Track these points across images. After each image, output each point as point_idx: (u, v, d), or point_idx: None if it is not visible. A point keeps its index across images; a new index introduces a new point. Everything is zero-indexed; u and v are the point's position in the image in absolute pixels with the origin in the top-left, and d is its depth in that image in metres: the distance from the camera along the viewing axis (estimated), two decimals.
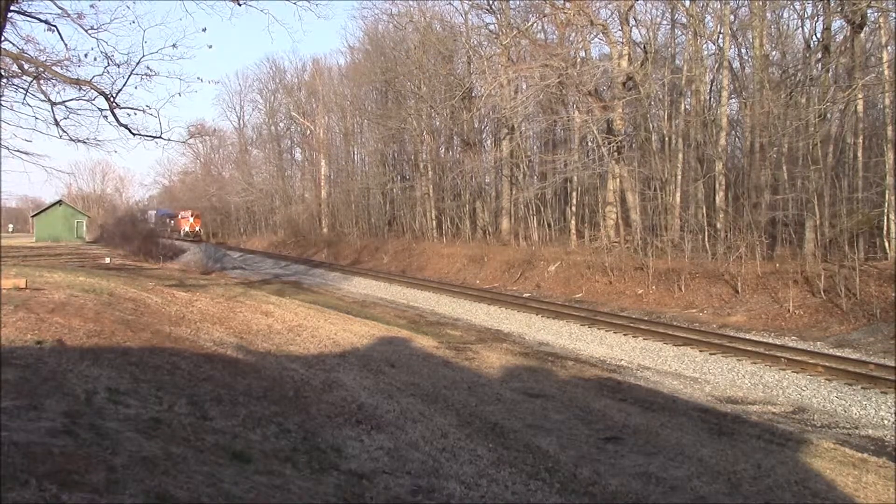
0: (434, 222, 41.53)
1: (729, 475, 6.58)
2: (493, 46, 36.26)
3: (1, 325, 8.23)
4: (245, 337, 11.65)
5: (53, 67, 12.93)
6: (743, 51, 29.57)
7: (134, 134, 13.74)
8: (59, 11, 12.88)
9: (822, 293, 18.04)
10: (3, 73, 13.20)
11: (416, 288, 24.93)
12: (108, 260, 29.50)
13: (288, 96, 66.63)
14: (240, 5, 12.56)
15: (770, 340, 15.69)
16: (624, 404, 9.40)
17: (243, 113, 77.25)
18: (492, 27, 36.96)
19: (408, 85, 43.32)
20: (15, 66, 13.05)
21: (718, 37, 27.41)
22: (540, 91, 30.30)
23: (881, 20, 21.82)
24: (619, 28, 28.54)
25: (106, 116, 13.24)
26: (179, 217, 70.05)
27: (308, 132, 61.22)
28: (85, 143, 14.57)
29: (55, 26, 12.84)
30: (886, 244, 19.49)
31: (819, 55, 23.56)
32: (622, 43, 28.03)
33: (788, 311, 18.10)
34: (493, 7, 35.73)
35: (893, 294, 16.55)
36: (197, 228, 67.78)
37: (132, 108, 13.42)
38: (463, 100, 37.35)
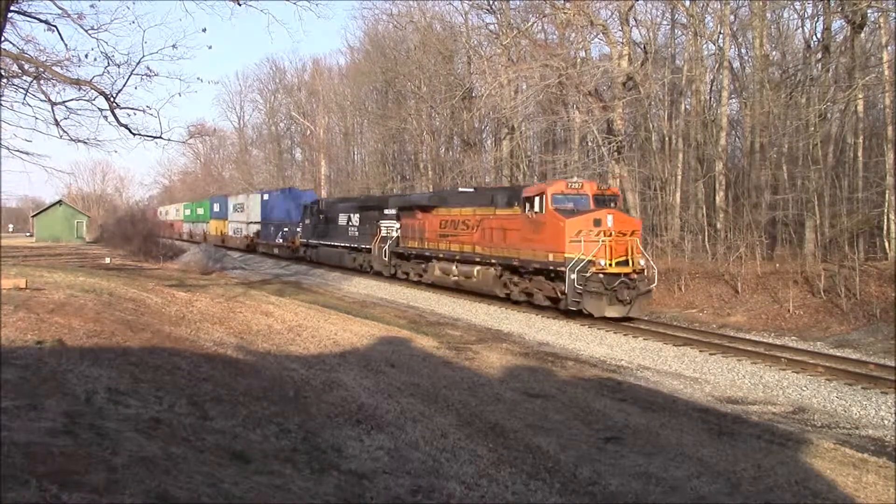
0: None
1: (729, 475, 6.57)
2: (493, 46, 36.27)
3: (1, 325, 8.23)
4: (245, 337, 11.64)
5: (53, 67, 12.93)
6: (743, 51, 29.62)
7: (134, 134, 13.74)
8: (59, 11, 12.90)
9: (822, 293, 18.04)
10: (3, 73, 13.21)
11: (416, 288, 24.92)
12: (108, 260, 29.50)
13: (288, 96, 66.72)
14: (240, 5, 12.55)
15: (770, 340, 15.68)
16: (624, 404, 9.39)
17: (243, 113, 77.41)
18: (492, 27, 37.00)
19: (408, 85, 43.33)
20: (15, 66, 13.06)
21: (718, 37, 27.44)
22: (540, 91, 30.29)
23: (881, 20, 21.85)
24: (619, 28, 28.54)
25: (106, 116, 13.25)
26: (579, 205, 17.39)
27: (308, 132, 61.22)
28: (85, 143, 14.58)
29: (55, 26, 12.85)
30: (886, 244, 19.50)
31: (819, 55, 23.57)
32: (622, 43, 28.02)
33: (788, 311, 18.10)
34: (493, 7, 35.76)
35: (893, 294, 16.56)
36: (642, 263, 17.03)
37: (132, 109, 13.43)
38: (463, 100, 37.35)
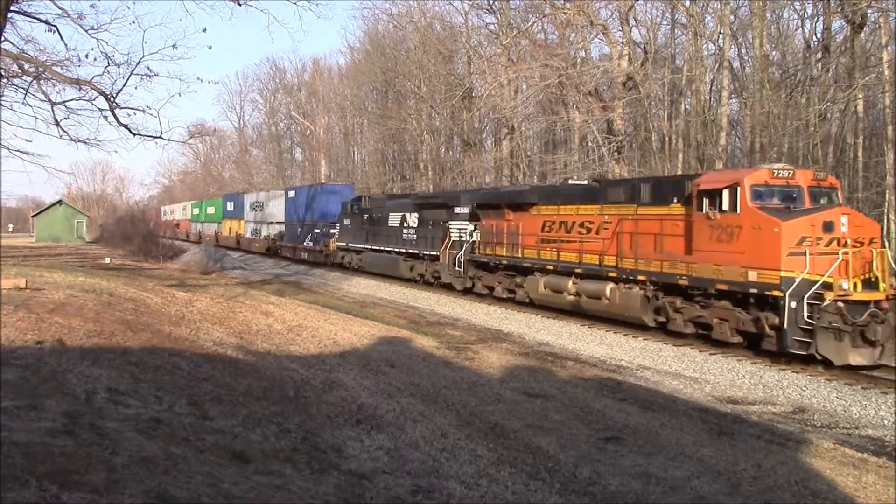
0: None
1: (729, 475, 6.58)
2: (493, 46, 36.30)
3: (1, 325, 8.23)
4: (245, 337, 11.65)
5: (53, 67, 12.97)
6: (743, 51, 29.64)
7: (134, 134, 13.78)
8: (60, 11, 12.95)
9: None
10: (3, 73, 13.24)
11: (415, 288, 24.92)
12: (108, 260, 29.53)
13: (288, 96, 66.80)
14: (240, 5, 12.57)
15: None
16: (624, 404, 9.39)
17: (243, 113, 77.48)
18: (492, 27, 37.06)
19: (408, 85, 43.37)
20: (15, 66, 13.10)
21: (718, 37, 27.46)
22: (540, 91, 30.33)
23: (881, 20, 21.88)
24: (619, 28, 28.59)
25: (106, 116, 13.29)
26: None
27: (308, 132, 61.25)
28: (85, 143, 14.63)
29: (55, 26, 12.88)
30: (886, 244, 19.50)
31: (819, 55, 23.60)
32: (622, 43, 28.05)
33: None
34: (493, 7, 35.82)
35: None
36: None
37: (132, 108, 13.49)
38: (463, 100, 37.38)
